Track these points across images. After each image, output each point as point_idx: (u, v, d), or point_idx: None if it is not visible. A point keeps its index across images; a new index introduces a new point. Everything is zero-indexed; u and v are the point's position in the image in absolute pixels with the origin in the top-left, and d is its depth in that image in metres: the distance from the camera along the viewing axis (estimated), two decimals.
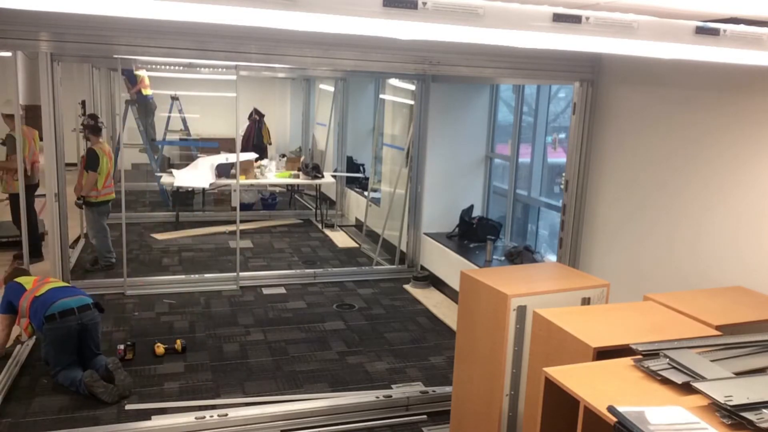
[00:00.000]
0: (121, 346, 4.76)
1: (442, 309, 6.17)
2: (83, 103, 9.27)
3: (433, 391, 4.37)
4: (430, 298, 6.49)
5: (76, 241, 7.77)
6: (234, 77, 6.61)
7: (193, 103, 12.26)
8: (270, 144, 12.44)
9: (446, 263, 6.60)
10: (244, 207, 9.66)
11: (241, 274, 6.68)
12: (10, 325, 4.54)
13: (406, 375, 4.74)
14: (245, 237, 8.51)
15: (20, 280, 4.53)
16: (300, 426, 3.96)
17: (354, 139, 10.18)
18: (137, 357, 4.78)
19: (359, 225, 9.12)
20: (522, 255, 6.00)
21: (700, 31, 2.29)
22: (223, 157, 9.05)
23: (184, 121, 12.17)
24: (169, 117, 11.84)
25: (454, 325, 5.22)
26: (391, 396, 4.26)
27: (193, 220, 9.47)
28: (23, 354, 4.72)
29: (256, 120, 11.77)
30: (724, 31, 2.33)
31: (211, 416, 3.91)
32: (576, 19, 2.09)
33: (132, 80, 10.11)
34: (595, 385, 2.16)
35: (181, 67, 8.64)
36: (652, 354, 2.35)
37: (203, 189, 9.73)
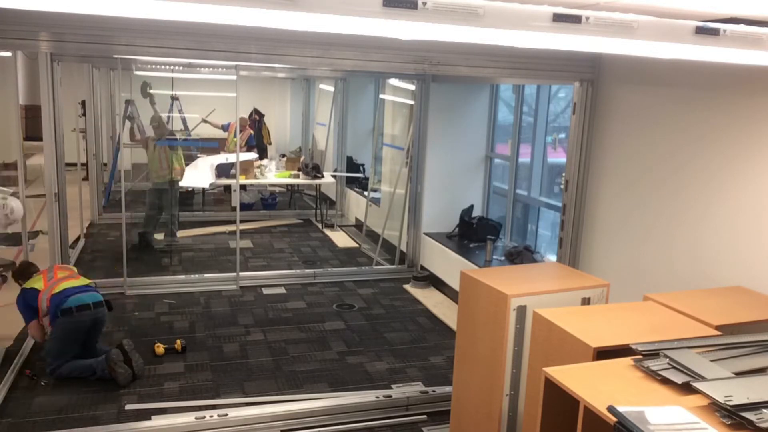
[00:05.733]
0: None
1: (442, 309, 6.17)
2: (83, 103, 9.29)
3: (433, 391, 4.37)
4: (430, 298, 6.49)
5: (76, 241, 7.77)
6: (234, 77, 6.61)
7: (193, 103, 12.27)
8: (270, 144, 12.45)
9: (446, 263, 6.59)
10: (244, 207, 9.66)
11: (241, 274, 6.68)
12: (42, 325, 4.58)
13: (406, 375, 4.74)
14: (245, 237, 8.51)
15: (31, 283, 4.56)
16: (300, 426, 3.96)
17: (354, 139, 10.18)
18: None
19: (359, 225, 9.12)
20: (522, 255, 6.00)
21: (700, 31, 2.29)
22: (223, 157, 9.06)
23: (184, 121, 12.16)
24: (169, 117, 11.84)
25: (454, 325, 5.22)
26: (391, 396, 4.26)
27: (193, 220, 9.47)
28: (24, 354, 4.72)
29: (256, 120, 11.78)
30: (724, 31, 2.34)
31: (211, 416, 3.91)
32: (576, 19, 2.09)
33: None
34: (595, 385, 2.16)
35: (181, 67, 8.64)
36: (652, 354, 2.35)
37: (203, 189, 9.74)
